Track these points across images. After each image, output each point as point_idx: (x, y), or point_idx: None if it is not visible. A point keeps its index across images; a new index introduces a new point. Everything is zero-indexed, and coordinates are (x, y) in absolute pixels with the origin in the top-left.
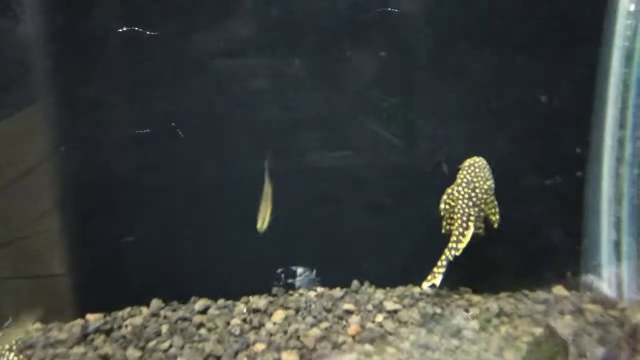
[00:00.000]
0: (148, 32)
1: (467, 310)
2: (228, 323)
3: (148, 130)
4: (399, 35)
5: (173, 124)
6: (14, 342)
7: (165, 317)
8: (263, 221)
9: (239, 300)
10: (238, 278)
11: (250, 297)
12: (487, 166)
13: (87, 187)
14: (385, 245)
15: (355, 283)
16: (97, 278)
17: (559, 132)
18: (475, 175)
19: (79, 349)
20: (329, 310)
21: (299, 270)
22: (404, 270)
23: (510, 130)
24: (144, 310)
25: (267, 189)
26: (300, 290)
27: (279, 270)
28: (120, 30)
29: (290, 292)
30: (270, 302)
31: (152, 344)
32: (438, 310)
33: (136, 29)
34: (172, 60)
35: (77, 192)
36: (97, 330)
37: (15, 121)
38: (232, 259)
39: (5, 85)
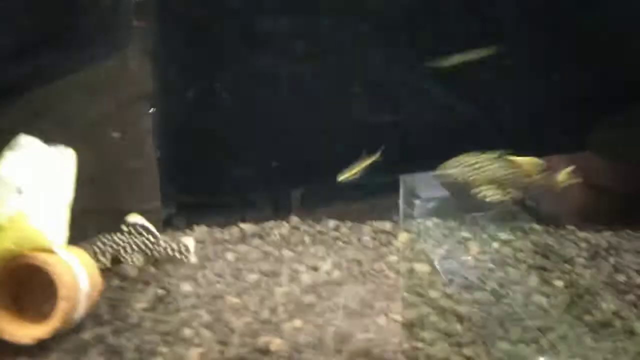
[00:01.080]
0: None
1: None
2: (359, 239)
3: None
4: None
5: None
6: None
7: (304, 230)
8: (346, 175)
9: (364, 223)
10: (362, 204)
11: (374, 222)
12: None
13: None
14: None
15: (467, 217)
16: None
17: None
18: None
19: (243, 247)
20: (446, 236)
21: (417, 202)
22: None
23: None
24: (285, 224)
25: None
26: (418, 220)
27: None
28: None
29: (409, 220)
30: (394, 226)
31: (300, 248)
32: (550, 242)
33: None
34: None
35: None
36: (253, 235)
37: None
38: (355, 187)
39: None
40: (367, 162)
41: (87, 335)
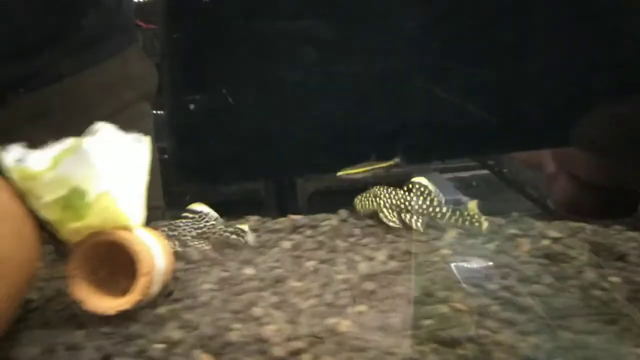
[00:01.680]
0: None
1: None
2: (410, 232)
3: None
4: None
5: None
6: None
7: (352, 223)
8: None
9: None
10: None
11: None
12: None
13: None
14: None
15: (514, 214)
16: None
17: None
18: None
19: (296, 237)
20: (496, 233)
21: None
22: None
23: None
24: (333, 216)
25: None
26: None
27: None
28: None
29: None
30: None
31: (352, 239)
32: (599, 240)
33: None
34: None
35: None
36: (304, 226)
37: None
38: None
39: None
40: (375, 166)
41: (162, 310)
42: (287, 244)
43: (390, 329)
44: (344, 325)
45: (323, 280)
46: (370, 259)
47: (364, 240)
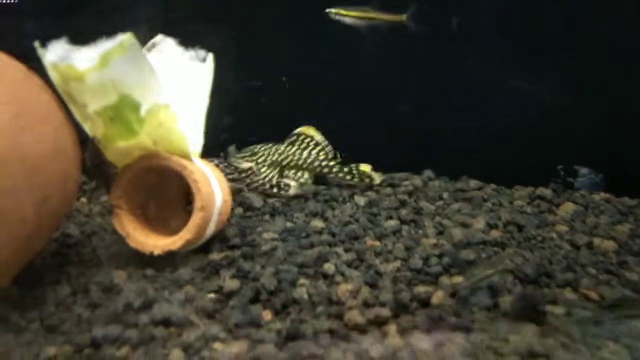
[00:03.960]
0: None
1: None
2: (511, 202)
3: None
4: None
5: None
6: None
7: (440, 186)
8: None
9: (510, 188)
10: (509, 167)
11: (526, 187)
12: None
13: None
14: None
15: None
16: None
17: None
18: None
19: (372, 194)
20: (625, 214)
21: (583, 170)
22: None
23: None
24: (417, 177)
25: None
26: (581, 192)
27: (559, 167)
28: None
29: (569, 190)
30: (555, 194)
31: (439, 202)
32: None
33: None
34: None
35: None
36: (382, 183)
37: None
38: (503, 149)
39: None
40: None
41: (216, 256)
42: (362, 201)
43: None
44: (438, 296)
45: (407, 243)
46: (465, 225)
47: (455, 206)
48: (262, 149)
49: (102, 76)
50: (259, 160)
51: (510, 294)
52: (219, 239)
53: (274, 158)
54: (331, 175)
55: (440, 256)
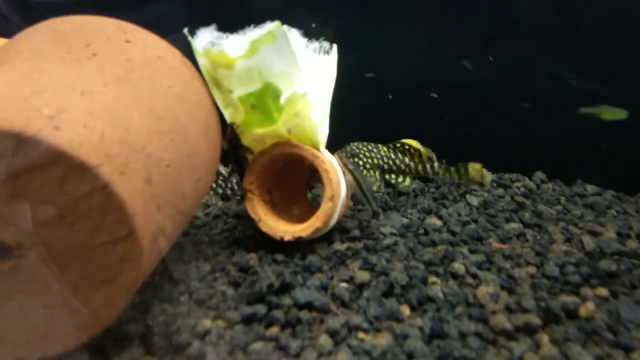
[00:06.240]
0: None
1: None
2: (638, 212)
3: None
4: None
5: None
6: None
7: (555, 189)
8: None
9: (632, 195)
10: (629, 174)
11: None
12: None
13: None
14: None
15: None
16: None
17: None
18: None
19: (485, 193)
20: None
21: None
22: None
23: None
24: (526, 179)
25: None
26: None
27: None
28: None
29: None
30: None
31: (558, 207)
32: None
33: None
34: None
35: None
36: (492, 183)
37: None
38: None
39: None
40: None
41: (340, 246)
42: (475, 201)
43: None
44: (586, 309)
45: (536, 248)
46: (595, 234)
47: (577, 212)
48: (362, 151)
49: (250, 63)
50: (360, 163)
51: None
52: (339, 229)
53: (374, 162)
54: (436, 177)
55: (576, 265)
